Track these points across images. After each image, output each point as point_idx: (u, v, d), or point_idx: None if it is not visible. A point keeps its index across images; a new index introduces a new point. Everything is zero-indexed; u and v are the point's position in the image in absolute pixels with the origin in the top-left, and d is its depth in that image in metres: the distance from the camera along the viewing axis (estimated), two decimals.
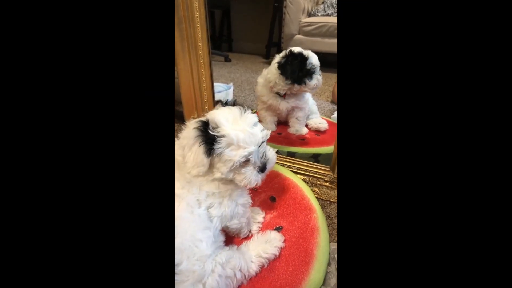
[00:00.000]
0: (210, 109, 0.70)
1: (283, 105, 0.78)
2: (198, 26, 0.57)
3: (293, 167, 0.69)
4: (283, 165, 0.69)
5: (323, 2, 0.86)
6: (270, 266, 0.46)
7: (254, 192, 0.61)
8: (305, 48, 0.85)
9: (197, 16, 0.55)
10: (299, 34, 0.85)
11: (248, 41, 1.07)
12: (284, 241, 0.50)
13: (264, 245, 0.47)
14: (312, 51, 0.82)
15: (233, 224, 0.46)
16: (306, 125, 0.84)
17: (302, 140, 0.81)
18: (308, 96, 0.81)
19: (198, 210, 0.40)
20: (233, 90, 1.05)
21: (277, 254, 0.47)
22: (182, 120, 1.02)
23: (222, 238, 0.45)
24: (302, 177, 0.66)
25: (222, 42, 1.10)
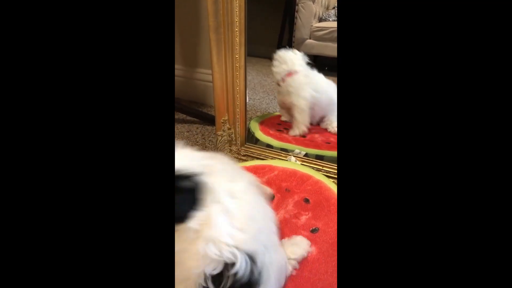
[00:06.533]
0: (242, 112, 0.71)
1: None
2: (236, 31, 0.58)
3: (323, 171, 0.69)
4: (312, 168, 0.70)
5: (334, 7, 0.87)
6: (310, 268, 0.47)
7: (287, 193, 0.62)
8: (316, 53, 0.87)
9: (236, 21, 0.57)
10: (310, 38, 0.87)
11: (259, 44, 1.08)
12: (322, 242, 0.51)
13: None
14: (323, 55, 0.85)
15: None
16: (326, 129, 0.86)
17: (328, 144, 0.81)
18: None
19: None
20: (248, 93, 1.07)
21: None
22: (212, 123, 1.04)
23: None
24: (333, 180, 0.67)
25: None
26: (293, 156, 0.73)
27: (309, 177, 0.66)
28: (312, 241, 0.51)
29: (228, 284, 0.28)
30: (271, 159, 0.75)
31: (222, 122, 0.72)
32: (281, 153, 0.76)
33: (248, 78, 1.11)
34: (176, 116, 1.08)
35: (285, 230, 0.55)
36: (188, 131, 1.01)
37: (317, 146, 0.80)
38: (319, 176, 0.66)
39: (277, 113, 0.98)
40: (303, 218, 0.56)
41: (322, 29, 0.84)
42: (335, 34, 0.82)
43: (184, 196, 0.29)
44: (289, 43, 0.92)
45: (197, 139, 0.96)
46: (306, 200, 0.60)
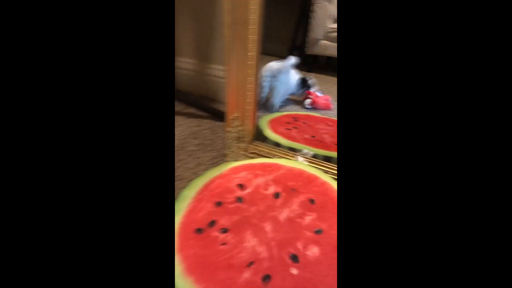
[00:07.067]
0: (252, 110, 0.71)
1: None
2: (251, 28, 0.58)
3: (330, 173, 0.69)
4: (319, 170, 0.70)
5: None
6: (312, 269, 0.47)
7: (292, 192, 0.62)
8: (329, 54, 0.88)
9: (251, 19, 0.57)
10: (324, 39, 0.86)
11: (272, 43, 1.08)
12: (326, 244, 0.51)
13: None
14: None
15: None
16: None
17: (336, 145, 0.81)
18: None
19: None
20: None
21: None
22: (222, 119, 1.04)
23: None
24: None
25: None
26: (301, 156, 0.73)
27: (315, 178, 0.66)
28: (316, 243, 0.51)
29: None
30: (278, 158, 0.75)
31: (232, 119, 0.73)
32: (289, 152, 0.76)
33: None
34: (186, 110, 1.09)
35: (288, 229, 0.55)
36: (197, 126, 1.02)
37: (325, 147, 0.80)
38: (325, 178, 0.66)
39: (287, 112, 0.98)
40: (308, 219, 0.56)
41: (336, 30, 0.84)
42: None
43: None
44: (303, 43, 0.91)
45: (206, 134, 0.97)
46: (312, 201, 0.60)
